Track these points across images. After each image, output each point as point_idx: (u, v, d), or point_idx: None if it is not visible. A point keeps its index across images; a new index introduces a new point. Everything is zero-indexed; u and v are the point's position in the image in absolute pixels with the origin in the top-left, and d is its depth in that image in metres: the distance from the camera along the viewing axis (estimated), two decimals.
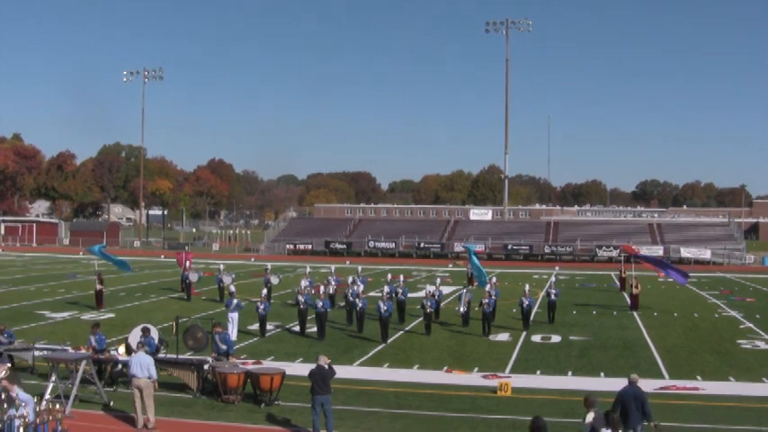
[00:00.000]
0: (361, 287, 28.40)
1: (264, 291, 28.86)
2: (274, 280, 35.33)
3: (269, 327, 25.92)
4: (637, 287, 33.16)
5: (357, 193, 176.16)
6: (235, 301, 25.09)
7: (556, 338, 25.21)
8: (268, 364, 19.65)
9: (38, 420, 11.16)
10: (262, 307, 25.02)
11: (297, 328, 25.80)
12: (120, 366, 17.23)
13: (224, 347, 17.92)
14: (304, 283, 29.11)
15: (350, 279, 30.78)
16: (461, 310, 27.07)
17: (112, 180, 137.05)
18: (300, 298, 25.79)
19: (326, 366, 14.12)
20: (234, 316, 24.52)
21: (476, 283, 35.23)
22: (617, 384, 18.29)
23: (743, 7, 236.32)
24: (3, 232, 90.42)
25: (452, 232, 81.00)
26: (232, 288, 28.51)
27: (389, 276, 33.08)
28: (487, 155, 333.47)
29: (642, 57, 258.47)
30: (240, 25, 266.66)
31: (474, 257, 35.91)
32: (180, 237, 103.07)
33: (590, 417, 10.97)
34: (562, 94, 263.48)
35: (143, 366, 14.52)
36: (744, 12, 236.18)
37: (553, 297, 29.05)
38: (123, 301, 34.04)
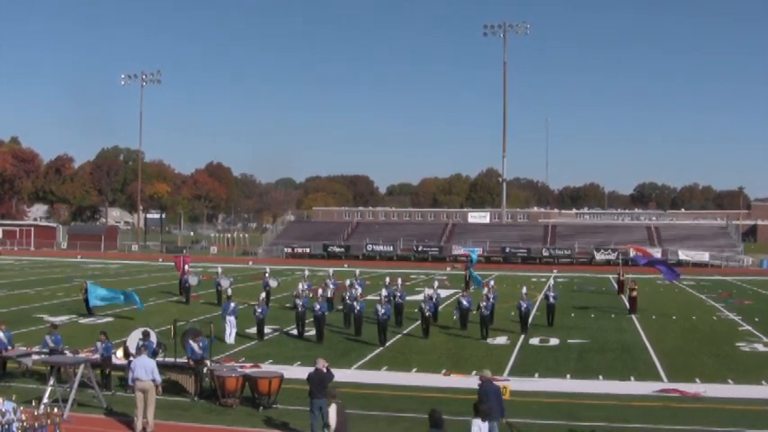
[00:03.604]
0: (360, 290, 28.39)
1: (263, 294, 28.84)
2: (273, 283, 35.33)
3: (267, 330, 25.91)
4: (634, 290, 33.16)
5: (355, 197, 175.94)
6: (232, 304, 25.07)
7: (554, 341, 25.21)
8: (266, 367, 19.62)
9: (36, 424, 11.15)
10: (259, 310, 24.99)
11: (295, 332, 25.80)
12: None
13: (199, 353, 17.63)
14: (301, 286, 29.08)
15: (348, 282, 30.79)
16: (455, 317, 27.56)
17: (110, 183, 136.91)
18: (298, 301, 25.78)
19: (325, 370, 14.11)
20: (231, 319, 24.50)
21: (472, 287, 35.23)
22: (616, 387, 18.42)
23: (743, 7, 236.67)
24: (1, 236, 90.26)
25: (450, 235, 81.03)
26: (230, 291, 28.49)
27: (387, 279, 33.05)
28: (485, 158, 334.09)
29: (641, 59, 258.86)
30: (240, 25, 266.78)
31: (472, 269, 36.02)
32: (178, 240, 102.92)
33: (333, 409, 11.89)
34: (560, 96, 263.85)
35: (147, 370, 14.54)
36: (744, 12, 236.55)
37: (552, 300, 29.05)
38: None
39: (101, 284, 33.08)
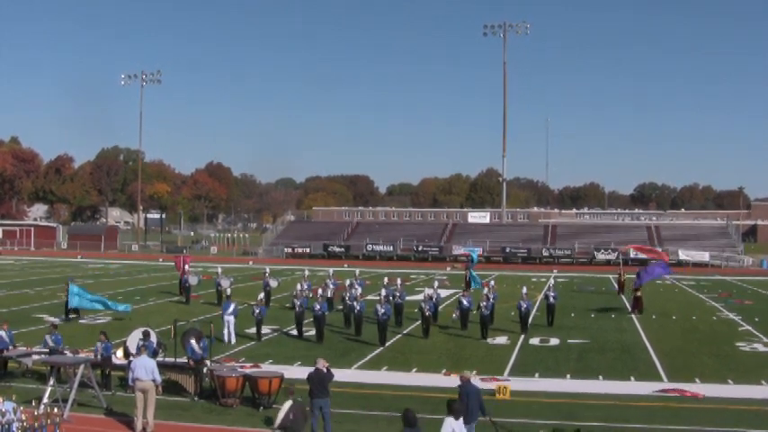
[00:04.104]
0: (359, 290, 28.39)
1: (262, 294, 28.83)
2: (273, 283, 35.33)
3: (267, 330, 25.91)
4: (638, 290, 33.10)
5: (355, 197, 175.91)
6: (232, 304, 25.07)
7: (554, 341, 25.21)
8: (266, 367, 19.63)
9: (36, 424, 11.15)
10: (258, 311, 24.98)
11: (295, 332, 25.80)
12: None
13: (199, 353, 17.65)
14: (300, 286, 29.09)
15: (348, 282, 30.78)
16: (455, 316, 27.52)
17: (110, 183, 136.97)
18: (297, 301, 25.78)
19: (325, 370, 14.11)
20: (231, 319, 24.50)
21: (471, 289, 35.20)
22: (616, 387, 18.42)
23: (743, 7, 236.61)
24: (1, 236, 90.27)
25: (450, 235, 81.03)
26: (229, 291, 28.50)
27: (387, 279, 33.07)
28: (486, 158, 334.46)
29: (641, 59, 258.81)
30: (240, 25, 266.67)
31: (472, 269, 35.86)
32: (178, 240, 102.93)
33: (286, 406, 12.55)
34: (560, 96, 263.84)
35: (147, 370, 14.56)
36: (744, 12, 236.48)
37: (552, 300, 29.05)
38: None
39: (86, 288, 32.26)
